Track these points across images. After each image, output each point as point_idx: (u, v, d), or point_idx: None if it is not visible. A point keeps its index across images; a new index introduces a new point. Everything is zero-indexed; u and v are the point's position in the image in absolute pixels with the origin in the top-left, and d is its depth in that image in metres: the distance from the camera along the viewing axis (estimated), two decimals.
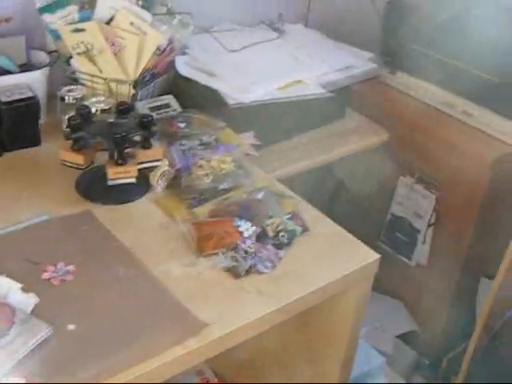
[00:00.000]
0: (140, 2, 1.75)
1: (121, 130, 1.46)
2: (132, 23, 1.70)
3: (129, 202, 1.51)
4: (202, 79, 1.83)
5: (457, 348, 2.43)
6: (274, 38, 2.16)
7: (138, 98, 1.78)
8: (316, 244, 1.43)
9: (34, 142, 1.69)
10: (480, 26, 2.13)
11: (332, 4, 2.48)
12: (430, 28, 2.24)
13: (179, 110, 1.79)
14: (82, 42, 1.69)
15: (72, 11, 1.74)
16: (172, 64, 1.85)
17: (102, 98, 1.66)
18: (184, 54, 1.92)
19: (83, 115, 1.49)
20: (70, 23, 1.73)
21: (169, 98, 1.83)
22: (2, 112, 1.61)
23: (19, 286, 1.20)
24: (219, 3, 2.16)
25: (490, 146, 2.11)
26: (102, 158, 1.52)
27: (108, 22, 1.72)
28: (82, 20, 1.72)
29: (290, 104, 1.85)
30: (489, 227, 2.18)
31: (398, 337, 2.44)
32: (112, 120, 1.52)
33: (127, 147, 1.48)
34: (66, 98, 1.66)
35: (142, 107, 1.76)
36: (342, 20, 2.47)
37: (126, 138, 1.46)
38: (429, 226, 2.26)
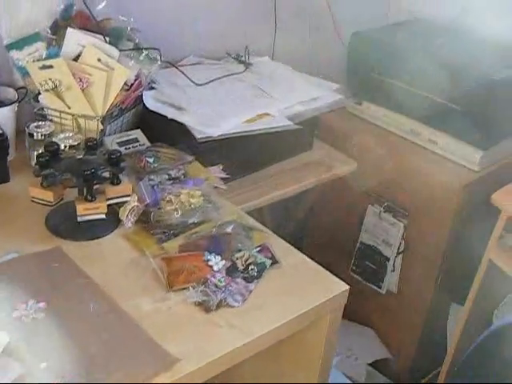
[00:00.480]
0: (107, 38, 1.76)
1: (89, 167, 1.46)
2: (99, 59, 1.71)
3: (98, 237, 1.50)
4: (170, 113, 1.83)
5: (429, 374, 2.45)
6: (241, 70, 2.17)
7: (107, 133, 1.79)
8: (286, 276, 1.44)
9: (3, 178, 1.68)
10: (443, 55, 2.17)
11: (298, 36, 2.50)
12: (394, 58, 2.28)
13: (147, 144, 1.80)
14: (49, 79, 1.69)
15: (40, 48, 1.75)
16: (140, 99, 1.86)
17: (71, 134, 1.66)
18: (151, 88, 1.93)
19: (52, 152, 1.49)
20: (38, 60, 1.73)
21: (137, 133, 1.83)
22: None
23: None
24: (185, 37, 2.18)
25: (457, 173, 2.14)
26: (71, 194, 1.52)
27: (76, 59, 1.73)
28: (49, 57, 1.73)
29: (258, 137, 1.85)
30: (458, 253, 2.20)
31: (370, 364, 2.45)
32: (81, 156, 1.53)
33: (96, 183, 1.48)
34: (35, 134, 1.67)
35: (111, 142, 1.76)
36: (309, 51, 2.50)
37: (95, 175, 1.46)
38: (398, 253, 2.28)
